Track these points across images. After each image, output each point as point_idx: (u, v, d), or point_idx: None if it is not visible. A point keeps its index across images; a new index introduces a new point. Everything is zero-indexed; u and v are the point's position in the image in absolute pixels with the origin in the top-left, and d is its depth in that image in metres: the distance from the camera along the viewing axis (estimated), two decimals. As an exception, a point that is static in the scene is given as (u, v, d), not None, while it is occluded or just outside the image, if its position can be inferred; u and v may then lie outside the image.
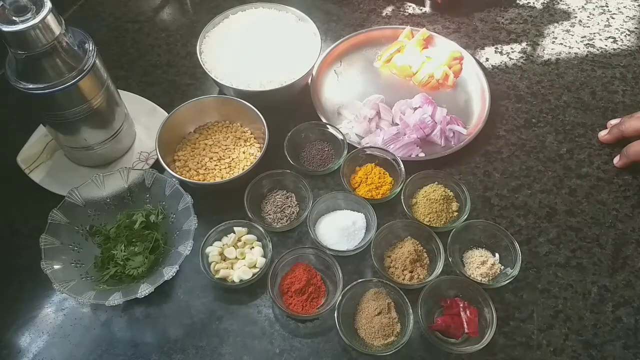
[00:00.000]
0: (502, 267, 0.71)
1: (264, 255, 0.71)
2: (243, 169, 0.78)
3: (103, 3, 1.06)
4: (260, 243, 0.73)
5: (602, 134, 0.85)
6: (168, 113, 0.80)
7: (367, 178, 0.78)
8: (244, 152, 0.80)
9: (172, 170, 0.74)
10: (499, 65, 0.96)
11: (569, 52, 0.98)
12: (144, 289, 0.63)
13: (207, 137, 0.82)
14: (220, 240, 0.73)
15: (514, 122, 0.88)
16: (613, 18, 1.03)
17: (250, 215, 0.73)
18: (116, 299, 0.63)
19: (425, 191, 0.77)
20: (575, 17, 1.03)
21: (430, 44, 0.97)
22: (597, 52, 0.97)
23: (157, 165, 0.79)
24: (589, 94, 0.91)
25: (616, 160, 0.82)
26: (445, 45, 0.95)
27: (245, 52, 0.86)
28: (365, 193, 0.77)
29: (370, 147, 0.81)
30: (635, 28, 1.01)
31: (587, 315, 0.69)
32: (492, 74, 0.94)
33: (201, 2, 1.06)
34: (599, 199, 0.79)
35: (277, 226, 0.75)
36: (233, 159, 0.80)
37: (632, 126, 0.80)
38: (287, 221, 0.75)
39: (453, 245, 0.71)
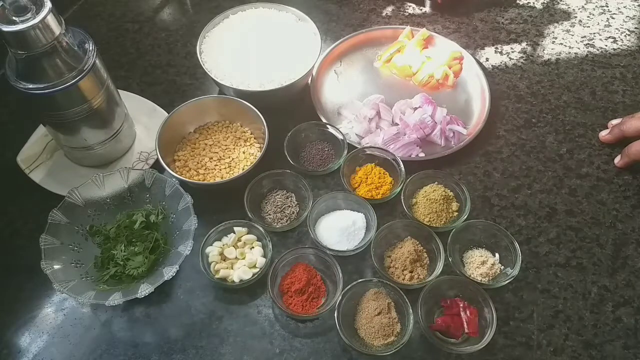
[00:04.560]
0: (502, 267, 0.71)
1: (264, 255, 0.71)
2: (243, 169, 0.78)
3: (103, 3, 1.06)
4: (260, 243, 0.73)
5: (603, 134, 0.85)
6: (168, 113, 0.80)
7: (367, 178, 0.78)
8: (244, 152, 0.80)
9: (172, 170, 0.74)
10: (499, 65, 0.96)
11: (569, 52, 0.98)
12: (144, 289, 0.63)
13: (207, 137, 0.82)
14: (220, 240, 0.73)
15: (514, 122, 0.88)
16: (613, 18, 1.03)
17: (250, 215, 0.73)
18: (116, 299, 0.63)
19: (425, 191, 0.77)
20: (575, 17, 1.03)
21: (430, 44, 0.97)
22: (597, 52, 0.97)
23: (157, 165, 0.79)
24: (589, 94, 0.91)
25: (617, 160, 0.82)
26: (445, 45, 0.95)
27: (245, 52, 0.86)
28: (365, 193, 0.77)
29: (370, 147, 0.81)
30: (635, 28, 1.01)
31: (587, 315, 0.69)
32: (492, 74, 0.94)
33: (201, 2, 1.06)
34: (599, 199, 0.79)
35: (277, 226, 0.75)
36: (233, 159, 0.80)
37: (633, 126, 0.80)
38: (287, 221, 0.75)
39: (453, 245, 0.71)
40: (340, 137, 0.82)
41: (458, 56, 0.94)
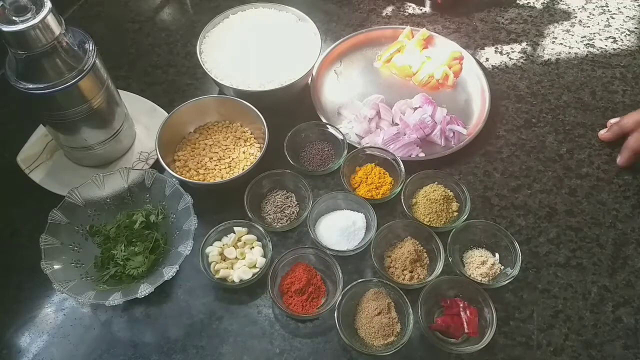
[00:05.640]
0: (502, 267, 0.71)
1: (264, 255, 0.71)
2: (243, 169, 0.78)
3: (103, 3, 1.06)
4: (260, 243, 0.73)
5: (602, 132, 0.85)
6: (168, 113, 0.80)
7: (367, 178, 0.78)
8: (244, 152, 0.80)
9: (172, 170, 0.74)
10: (499, 65, 0.96)
11: (569, 52, 0.98)
12: (144, 289, 0.63)
13: (207, 137, 0.82)
14: (220, 240, 0.73)
15: (514, 122, 0.88)
16: (613, 18, 1.03)
17: (250, 215, 0.73)
18: (116, 299, 0.63)
19: (425, 191, 0.77)
20: (575, 17, 1.03)
21: (430, 44, 0.97)
22: (597, 52, 0.97)
23: (157, 165, 0.79)
24: (589, 94, 0.91)
25: (619, 159, 0.82)
26: (445, 45, 0.95)
27: (245, 52, 0.86)
28: (365, 193, 0.77)
29: (370, 147, 0.81)
30: (635, 28, 1.01)
31: (587, 315, 0.69)
32: (492, 74, 0.94)
33: (201, 2, 1.06)
34: (599, 199, 0.79)
35: (277, 226, 0.75)
36: (233, 159, 0.80)
37: (632, 119, 0.80)
38: (287, 221, 0.75)
39: (453, 245, 0.71)
40: (340, 137, 0.82)
41: (458, 56, 0.94)
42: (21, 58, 0.64)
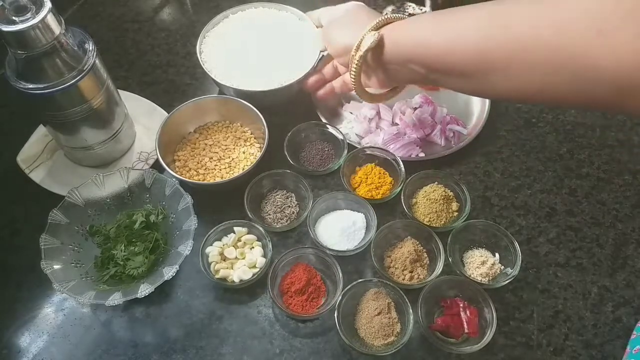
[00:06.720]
0: (502, 267, 0.71)
1: (264, 255, 0.71)
2: (243, 169, 0.78)
3: (103, 3, 1.06)
4: (260, 243, 0.73)
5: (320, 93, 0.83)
6: (168, 113, 0.80)
7: (367, 178, 0.78)
8: (244, 152, 0.80)
9: (172, 170, 0.74)
10: (499, 65, 0.96)
11: (569, 52, 0.97)
12: (144, 289, 0.63)
13: (207, 137, 0.82)
14: (220, 240, 0.73)
15: (514, 122, 0.88)
16: (613, 18, 1.03)
17: (250, 215, 0.73)
18: (116, 299, 0.63)
19: (425, 191, 0.77)
20: (575, 17, 1.03)
21: (430, 44, 0.96)
22: (597, 52, 0.97)
23: (157, 165, 0.79)
24: (589, 94, 0.91)
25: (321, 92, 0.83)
26: (445, 45, 0.95)
27: (245, 52, 0.86)
28: (365, 193, 0.77)
29: (370, 147, 0.81)
30: (635, 28, 1.01)
31: (587, 315, 0.69)
32: (492, 74, 0.94)
33: (201, 2, 1.06)
34: (599, 199, 0.79)
35: (277, 226, 0.75)
36: (233, 159, 0.80)
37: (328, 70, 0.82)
38: (287, 221, 0.75)
39: (453, 245, 0.71)
40: (340, 137, 0.82)
41: (458, 56, 0.94)
42: (21, 58, 0.64)
